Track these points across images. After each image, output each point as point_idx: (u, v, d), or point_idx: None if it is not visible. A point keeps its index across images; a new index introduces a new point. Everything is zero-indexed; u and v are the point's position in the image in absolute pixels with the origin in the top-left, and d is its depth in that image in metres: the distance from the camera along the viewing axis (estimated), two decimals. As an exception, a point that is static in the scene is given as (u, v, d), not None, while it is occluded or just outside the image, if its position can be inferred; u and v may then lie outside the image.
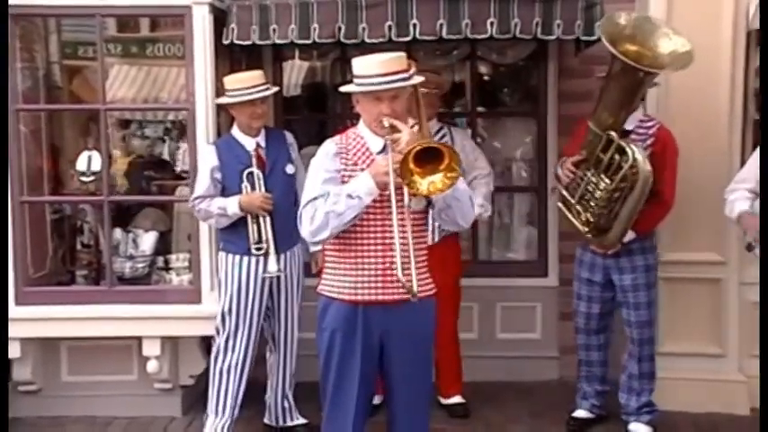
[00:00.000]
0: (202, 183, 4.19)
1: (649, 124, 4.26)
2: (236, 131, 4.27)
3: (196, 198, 4.20)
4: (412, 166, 2.78)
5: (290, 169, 4.23)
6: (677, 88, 4.50)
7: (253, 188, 4.12)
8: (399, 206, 2.89)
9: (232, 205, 4.11)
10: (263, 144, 4.23)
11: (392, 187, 2.86)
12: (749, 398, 4.67)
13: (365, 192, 2.92)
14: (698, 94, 4.55)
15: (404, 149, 2.81)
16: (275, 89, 4.38)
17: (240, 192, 4.13)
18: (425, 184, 2.81)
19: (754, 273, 4.38)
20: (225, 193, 4.17)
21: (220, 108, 4.49)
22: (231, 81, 4.19)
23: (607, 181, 4.03)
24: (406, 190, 2.88)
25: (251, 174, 4.14)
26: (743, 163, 4.47)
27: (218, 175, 4.18)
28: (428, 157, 2.80)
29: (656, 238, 4.46)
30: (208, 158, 4.21)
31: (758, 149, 4.10)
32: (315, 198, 2.99)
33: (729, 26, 4.56)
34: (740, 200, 4.05)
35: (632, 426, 4.37)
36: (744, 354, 4.74)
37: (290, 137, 4.39)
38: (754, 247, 4.01)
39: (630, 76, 3.90)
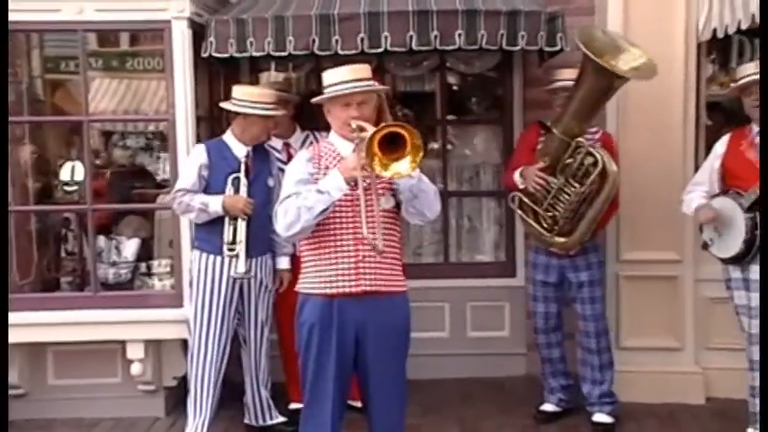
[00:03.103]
0: (188, 177, 4.25)
1: (593, 130, 4.46)
2: (228, 137, 4.35)
3: (179, 190, 4.25)
4: (376, 150, 2.91)
5: (270, 182, 4.35)
6: (635, 97, 4.69)
7: (236, 192, 4.22)
8: (369, 204, 3.05)
9: (215, 203, 4.19)
10: (251, 154, 4.34)
11: (361, 187, 3.02)
12: (704, 388, 4.90)
13: (334, 187, 3.07)
14: (654, 103, 4.75)
15: (368, 136, 2.95)
16: (283, 112, 4.52)
17: (222, 194, 4.23)
18: (392, 168, 2.94)
19: (709, 270, 4.66)
20: (207, 192, 4.25)
21: (200, 119, 4.60)
22: (253, 93, 4.29)
23: (576, 185, 4.21)
24: (375, 189, 3.04)
25: (237, 179, 4.24)
26: (696, 167, 4.68)
27: (204, 173, 4.26)
28: (392, 146, 2.94)
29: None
30: (198, 155, 4.29)
31: (712, 155, 4.34)
32: (288, 196, 3.15)
33: (682, 39, 4.77)
34: (697, 198, 4.28)
35: (596, 416, 4.57)
36: (699, 347, 4.96)
37: (272, 154, 4.51)
38: (710, 245, 4.27)
39: (604, 83, 4.08)
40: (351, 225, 3.16)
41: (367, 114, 3.17)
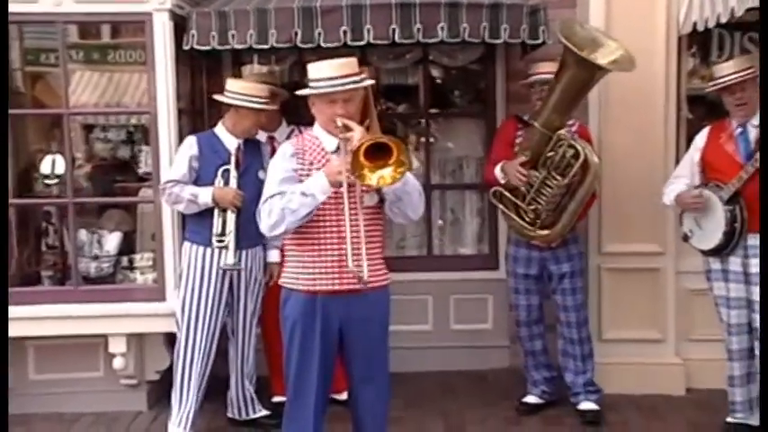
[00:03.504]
0: (179, 168, 4.27)
1: (570, 122, 4.48)
2: (220, 130, 4.37)
3: (169, 181, 4.27)
4: (362, 160, 2.93)
5: (261, 175, 4.29)
6: (616, 90, 4.73)
7: (226, 184, 4.25)
8: (353, 202, 3.07)
9: (204, 195, 4.21)
10: (242, 147, 4.36)
11: (345, 185, 3.03)
12: (685, 379, 4.95)
13: (319, 190, 3.09)
14: (635, 96, 4.78)
15: (355, 145, 2.98)
16: (276, 106, 4.52)
17: (213, 185, 4.25)
18: (375, 177, 2.97)
19: (690, 262, 4.70)
20: (197, 183, 4.27)
21: (182, 112, 4.58)
22: (247, 87, 4.31)
23: (559, 178, 4.23)
24: (359, 187, 3.05)
25: (227, 171, 4.26)
26: (678, 160, 4.72)
27: (195, 165, 4.27)
28: (378, 153, 2.96)
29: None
30: (188, 147, 4.31)
31: (692, 147, 4.37)
32: (272, 195, 3.15)
33: (663, 32, 4.81)
34: (677, 189, 4.32)
35: (582, 405, 4.60)
36: (680, 338, 5.01)
37: (264, 147, 4.51)
38: (690, 237, 4.31)
39: (586, 75, 4.10)
40: (334, 222, 3.17)
41: (352, 111, 3.17)
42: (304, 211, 3.09)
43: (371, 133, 3.18)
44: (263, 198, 3.22)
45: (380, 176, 2.97)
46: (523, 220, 4.44)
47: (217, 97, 4.37)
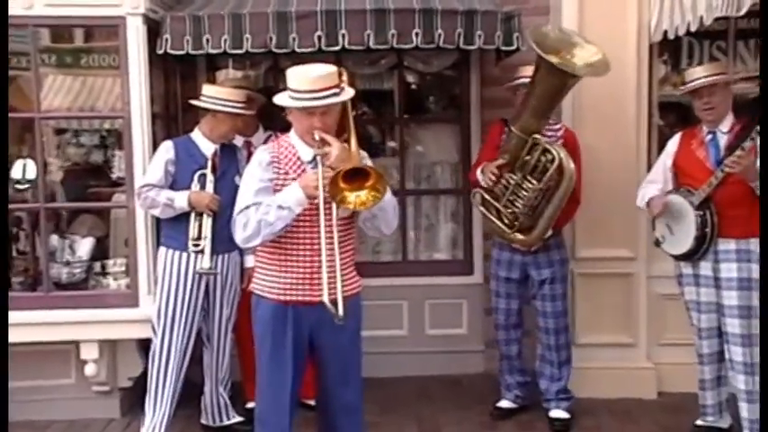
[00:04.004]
0: (155, 172, 4.26)
1: (556, 127, 4.52)
2: (196, 135, 4.36)
3: (145, 185, 4.25)
4: (341, 185, 2.94)
5: (238, 180, 4.27)
6: (589, 96, 4.77)
7: (203, 189, 4.24)
8: (328, 217, 3.04)
9: (181, 199, 4.20)
10: (219, 152, 4.35)
11: (321, 201, 3.01)
12: (656, 383, 5.00)
13: (295, 202, 3.08)
14: (608, 102, 4.83)
15: (333, 164, 2.98)
16: (253, 111, 4.52)
17: (189, 190, 4.24)
18: (353, 197, 2.98)
19: (661, 267, 4.76)
20: (173, 188, 4.26)
21: (156, 116, 4.55)
22: (223, 92, 4.31)
23: (534, 182, 4.24)
24: (328, 209, 3.03)
25: (203, 175, 4.26)
26: (649, 166, 4.77)
27: (171, 169, 4.27)
28: (356, 175, 2.97)
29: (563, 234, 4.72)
30: (165, 151, 4.30)
31: (664, 153, 4.43)
32: (248, 207, 3.14)
33: (634, 40, 4.86)
34: (650, 193, 4.37)
35: (553, 412, 4.63)
36: (652, 342, 5.06)
37: (241, 154, 4.50)
38: (662, 242, 4.36)
39: (558, 81, 4.11)
40: (308, 233, 3.17)
41: (330, 122, 3.16)
42: (281, 225, 3.09)
43: (349, 149, 3.13)
44: (237, 207, 3.20)
45: (357, 196, 2.98)
46: (503, 222, 4.45)
47: (194, 102, 4.36)
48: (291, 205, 3.08)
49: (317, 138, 3.10)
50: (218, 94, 4.27)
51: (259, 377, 3.31)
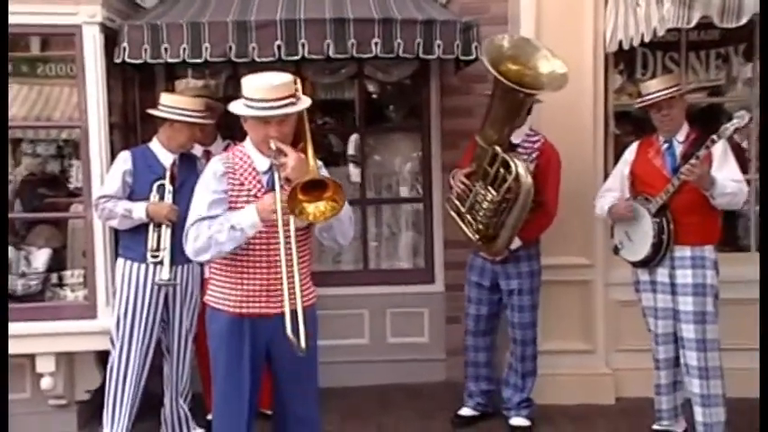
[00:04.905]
0: (112, 183, 4.23)
1: (534, 139, 4.55)
2: (155, 145, 4.33)
3: (102, 197, 4.22)
4: (300, 196, 2.91)
5: None
6: (546, 106, 4.78)
7: (161, 199, 4.21)
8: (285, 229, 2.99)
9: (138, 210, 4.16)
10: (177, 162, 4.32)
11: (279, 215, 2.97)
12: (614, 388, 5.06)
13: (249, 225, 3.04)
14: (565, 112, 4.88)
15: (290, 176, 2.95)
16: (212, 121, 4.49)
17: (147, 200, 4.20)
18: (311, 208, 2.95)
19: (618, 274, 4.82)
20: (132, 198, 4.22)
21: (114, 126, 4.51)
22: (181, 101, 4.29)
23: (494, 192, 4.28)
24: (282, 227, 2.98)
25: (162, 186, 4.22)
26: (606, 175, 4.84)
27: (129, 179, 4.23)
28: (314, 186, 2.94)
29: (540, 245, 4.72)
30: (122, 162, 4.26)
31: (621, 161, 4.49)
32: (202, 219, 3.09)
33: (590, 50, 4.93)
34: (608, 202, 4.43)
35: (513, 420, 4.66)
36: (610, 349, 5.12)
37: (200, 163, 4.44)
38: (620, 249, 4.42)
39: (511, 97, 4.15)
40: (264, 246, 3.14)
41: (286, 131, 3.13)
42: (231, 246, 3.06)
43: (305, 160, 3.10)
44: (190, 219, 3.16)
45: (316, 207, 2.95)
46: (471, 230, 4.48)
47: (151, 112, 4.33)
48: (245, 227, 3.04)
49: (272, 147, 3.07)
50: (175, 104, 4.25)
51: (215, 390, 3.28)
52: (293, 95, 3.12)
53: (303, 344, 2.93)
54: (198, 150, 4.60)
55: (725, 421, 4.15)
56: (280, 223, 2.98)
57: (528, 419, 4.66)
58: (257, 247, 3.14)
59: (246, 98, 3.12)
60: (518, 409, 4.67)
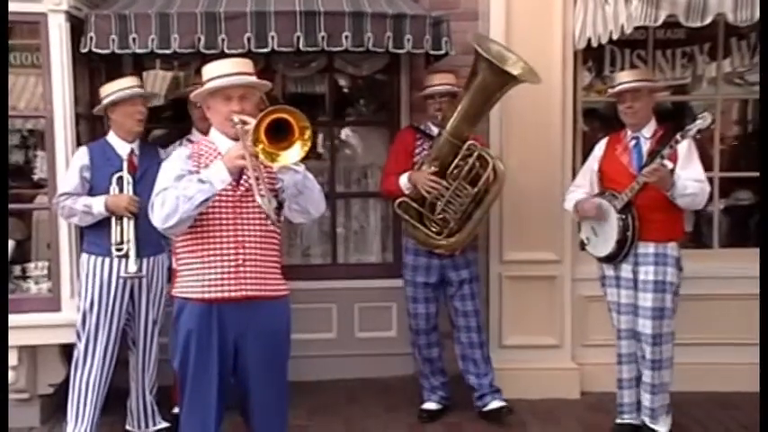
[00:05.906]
0: (70, 180, 4.19)
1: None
2: (111, 137, 4.30)
3: (62, 195, 4.18)
4: (268, 147, 2.84)
5: None
6: (516, 102, 4.83)
7: (121, 191, 4.17)
8: (259, 186, 2.94)
9: (98, 204, 4.13)
10: (137, 152, 4.28)
11: (249, 163, 2.90)
12: (580, 383, 5.11)
13: (217, 178, 2.96)
14: (534, 108, 4.92)
15: (255, 124, 2.87)
16: (156, 93, 4.46)
17: (108, 194, 4.17)
18: (282, 155, 2.86)
19: (585, 269, 4.88)
20: (92, 193, 4.18)
21: (80, 116, 4.45)
22: (109, 86, 4.26)
23: (469, 187, 4.33)
24: (256, 190, 2.92)
25: (120, 178, 4.19)
26: (574, 171, 4.90)
27: (86, 174, 4.19)
28: (279, 135, 2.86)
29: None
30: (79, 158, 4.23)
31: (591, 157, 4.53)
32: (166, 189, 3.02)
33: (559, 46, 4.97)
34: (577, 197, 4.48)
35: (492, 404, 4.67)
36: (576, 344, 5.17)
37: (162, 152, 4.40)
38: (587, 244, 4.47)
39: (496, 84, 4.23)
40: (231, 225, 3.09)
41: (249, 109, 3.10)
42: (200, 199, 2.94)
43: None
44: (155, 191, 3.07)
45: (285, 159, 2.87)
46: (429, 229, 4.49)
47: (95, 111, 4.33)
48: (213, 180, 2.96)
49: (235, 120, 3.02)
50: (106, 91, 4.24)
51: (181, 388, 3.22)
52: (253, 74, 3.15)
53: (273, 214, 2.96)
54: (196, 136, 4.53)
55: (668, 404, 4.32)
56: (249, 164, 2.91)
57: (504, 401, 4.68)
58: (224, 225, 3.08)
59: (208, 80, 3.12)
60: (492, 394, 4.70)
